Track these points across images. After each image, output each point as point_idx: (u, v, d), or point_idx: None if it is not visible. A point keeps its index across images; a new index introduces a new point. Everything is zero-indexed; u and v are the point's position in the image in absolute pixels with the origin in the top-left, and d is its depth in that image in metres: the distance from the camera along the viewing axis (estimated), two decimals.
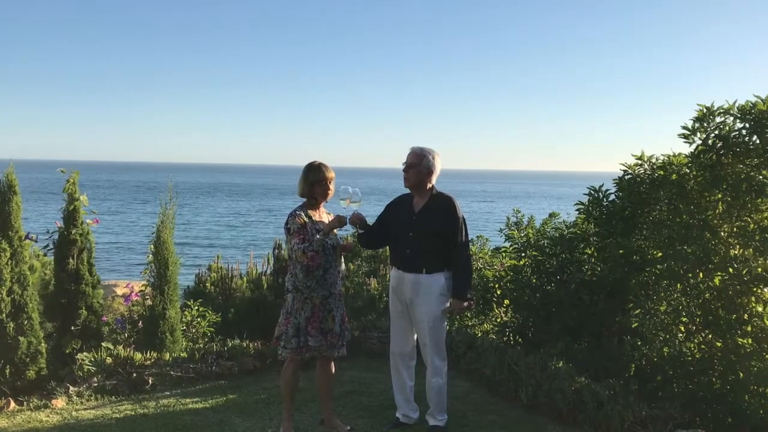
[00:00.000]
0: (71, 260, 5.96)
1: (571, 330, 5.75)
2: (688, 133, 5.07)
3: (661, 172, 5.33)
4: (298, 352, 4.37)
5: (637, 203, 5.54)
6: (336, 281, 4.46)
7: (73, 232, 5.98)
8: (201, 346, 6.40)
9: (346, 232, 9.40)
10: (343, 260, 4.70)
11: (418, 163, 4.47)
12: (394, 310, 4.66)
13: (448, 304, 4.46)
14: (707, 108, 4.96)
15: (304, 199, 4.50)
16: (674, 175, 5.22)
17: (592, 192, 5.95)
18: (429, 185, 4.52)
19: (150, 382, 5.54)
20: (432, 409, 4.61)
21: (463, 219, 4.49)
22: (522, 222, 8.62)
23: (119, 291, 9.31)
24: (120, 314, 6.92)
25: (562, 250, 6.13)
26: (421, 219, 4.47)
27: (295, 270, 4.35)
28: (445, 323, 4.60)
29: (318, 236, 4.29)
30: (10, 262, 5.46)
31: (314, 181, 4.42)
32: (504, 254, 7.42)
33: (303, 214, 4.38)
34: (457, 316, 6.92)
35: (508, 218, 8.74)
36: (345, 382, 5.69)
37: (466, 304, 4.52)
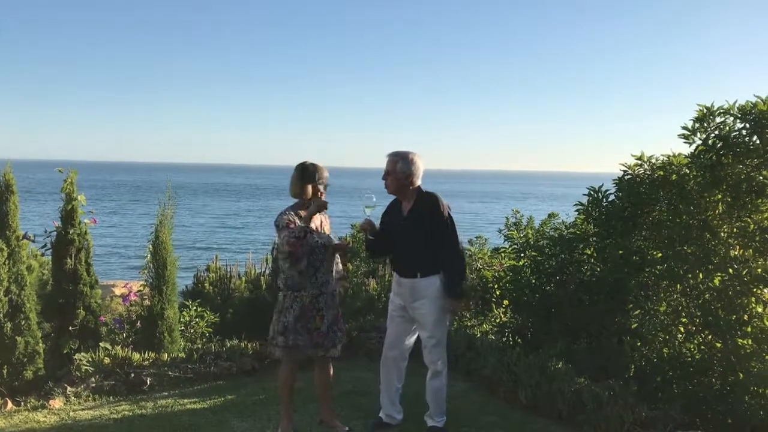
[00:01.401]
0: (69, 260, 5.94)
1: (570, 330, 5.74)
2: (688, 133, 5.05)
3: (661, 173, 5.32)
4: (287, 351, 4.35)
5: (637, 204, 5.53)
6: (328, 280, 4.43)
7: (71, 231, 5.97)
8: (199, 346, 6.38)
9: (346, 233, 9.39)
10: (339, 260, 4.67)
11: (393, 170, 4.43)
12: (392, 310, 4.65)
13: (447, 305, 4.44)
14: (707, 108, 4.95)
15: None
16: (674, 175, 5.21)
17: (592, 192, 5.94)
18: (412, 188, 4.47)
19: (148, 382, 5.53)
20: (431, 410, 4.60)
21: (449, 216, 4.43)
22: (521, 222, 8.62)
23: (117, 291, 9.29)
24: (118, 314, 6.90)
25: (562, 251, 6.12)
26: (408, 222, 4.45)
27: (284, 265, 4.34)
28: (447, 326, 4.58)
29: (299, 223, 4.26)
30: (7, 261, 5.44)
31: (310, 180, 4.40)
32: (503, 255, 7.41)
33: (293, 213, 4.35)
34: (456, 317, 6.91)
35: (507, 219, 8.73)
36: (344, 382, 5.68)
37: (462, 303, 4.51)
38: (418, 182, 4.49)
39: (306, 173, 4.40)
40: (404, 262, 4.49)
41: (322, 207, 4.32)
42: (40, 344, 5.65)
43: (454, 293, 4.40)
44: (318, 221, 4.45)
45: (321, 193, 4.42)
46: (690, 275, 4.85)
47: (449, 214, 4.43)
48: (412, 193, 4.48)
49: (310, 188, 4.39)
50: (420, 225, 4.40)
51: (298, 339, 4.30)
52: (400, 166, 4.41)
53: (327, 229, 4.53)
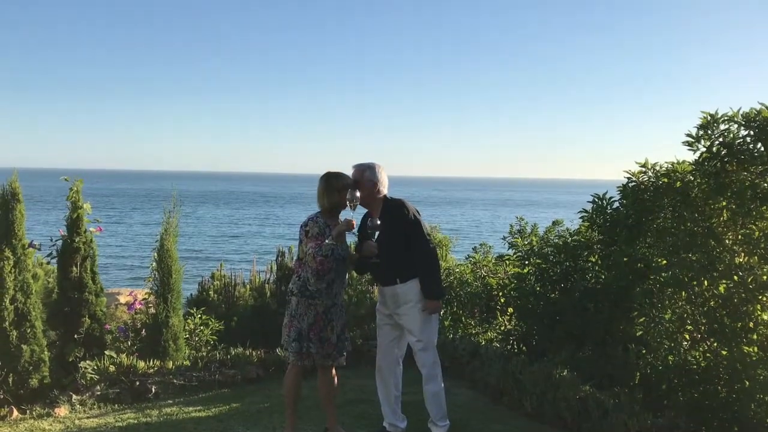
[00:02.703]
0: (74, 268, 5.95)
1: (575, 338, 5.73)
2: (692, 140, 5.06)
3: (665, 180, 5.32)
4: (299, 357, 4.36)
5: (641, 211, 5.53)
6: (340, 292, 4.48)
7: (77, 240, 5.98)
8: (204, 354, 6.39)
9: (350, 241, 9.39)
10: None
11: (361, 179, 4.48)
12: (379, 320, 4.70)
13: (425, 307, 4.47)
14: (711, 115, 4.95)
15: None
16: (678, 182, 5.21)
17: (596, 199, 5.94)
18: (379, 197, 4.53)
19: (153, 390, 5.53)
20: (432, 416, 4.58)
21: (416, 218, 4.46)
22: (525, 230, 8.61)
23: (122, 299, 9.31)
24: (123, 322, 6.92)
25: (566, 258, 6.12)
26: (380, 231, 4.48)
27: (306, 274, 4.34)
28: (436, 327, 4.59)
29: (327, 241, 4.28)
30: (13, 270, 5.46)
31: (340, 187, 4.40)
32: (507, 262, 7.40)
33: (323, 222, 4.38)
34: (461, 324, 6.90)
35: (511, 226, 8.72)
36: (348, 390, 5.68)
37: (440, 302, 4.56)
38: (385, 191, 4.55)
39: (330, 184, 4.42)
40: (383, 271, 4.54)
41: (350, 227, 4.35)
42: (46, 352, 5.66)
43: (430, 294, 4.43)
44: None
45: (353, 204, 4.39)
46: (695, 282, 4.84)
47: (416, 216, 4.47)
48: (380, 203, 4.53)
49: (336, 198, 4.40)
50: (391, 232, 4.44)
51: (310, 347, 4.32)
52: (367, 175, 4.48)
53: (342, 239, 4.55)
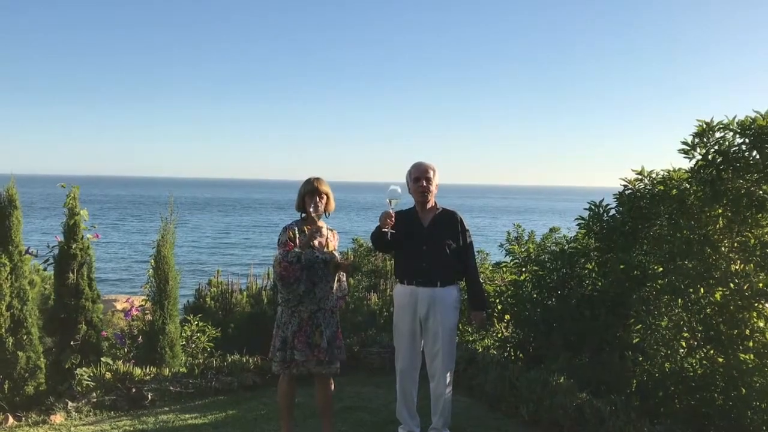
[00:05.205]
0: (71, 275, 5.95)
1: (572, 345, 5.74)
2: (688, 148, 5.09)
3: (662, 187, 5.34)
4: (285, 366, 4.35)
5: (638, 218, 5.55)
6: (327, 296, 4.39)
7: (74, 246, 5.98)
8: (201, 361, 6.38)
9: (348, 247, 9.39)
10: (344, 277, 4.66)
11: (433, 178, 4.54)
12: (404, 327, 4.58)
13: (465, 317, 4.52)
14: (707, 123, 4.98)
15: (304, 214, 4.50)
16: (674, 190, 5.23)
17: (593, 207, 5.96)
18: (433, 200, 4.60)
19: (149, 397, 5.51)
20: (436, 422, 4.58)
21: (469, 232, 4.61)
22: (522, 237, 8.64)
23: (119, 306, 9.30)
24: (120, 329, 6.91)
25: (563, 265, 6.13)
26: (432, 232, 4.51)
27: (278, 285, 4.36)
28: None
29: (296, 249, 4.28)
30: (9, 276, 5.46)
31: (304, 192, 4.42)
32: (505, 269, 7.42)
33: (296, 228, 4.37)
34: (458, 331, 6.90)
35: (508, 233, 8.76)
36: (345, 397, 5.67)
37: (485, 314, 4.67)
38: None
39: (302, 186, 4.45)
40: (425, 272, 4.48)
41: (312, 237, 4.32)
42: (42, 359, 5.65)
43: (482, 306, 4.62)
44: (324, 237, 4.45)
45: (318, 205, 4.39)
46: (691, 290, 4.85)
47: (469, 230, 4.63)
48: (434, 206, 4.61)
49: (306, 200, 4.41)
50: (442, 237, 4.50)
51: (295, 354, 4.29)
52: (438, 177, 4.57)
53: (333, 246, 4.52)
